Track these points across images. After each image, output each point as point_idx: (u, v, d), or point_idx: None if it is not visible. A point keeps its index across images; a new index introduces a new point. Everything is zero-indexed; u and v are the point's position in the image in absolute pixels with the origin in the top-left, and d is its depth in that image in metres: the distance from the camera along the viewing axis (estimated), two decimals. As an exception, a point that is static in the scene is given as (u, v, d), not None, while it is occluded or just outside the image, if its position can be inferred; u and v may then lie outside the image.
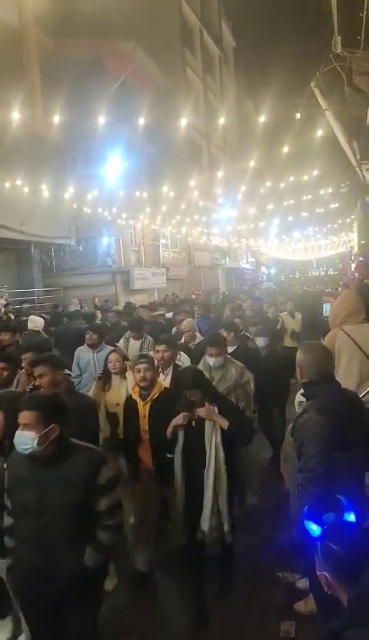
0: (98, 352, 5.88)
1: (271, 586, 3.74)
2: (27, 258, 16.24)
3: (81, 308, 13.94)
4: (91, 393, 4.61)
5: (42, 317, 9.93)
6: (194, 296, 19.73)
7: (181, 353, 5.30)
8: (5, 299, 12.28)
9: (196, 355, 5.44)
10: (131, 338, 6.74)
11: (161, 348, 4.80)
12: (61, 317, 11.60)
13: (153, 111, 11.62)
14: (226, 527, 3.53)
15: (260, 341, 6.01)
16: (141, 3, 20.61)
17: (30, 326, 8.68)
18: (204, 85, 29.71)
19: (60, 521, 2.32)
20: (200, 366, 4.42)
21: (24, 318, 10.89)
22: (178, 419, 3.55)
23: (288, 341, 8.94)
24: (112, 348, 5.88)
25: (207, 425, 3.54)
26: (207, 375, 4.15)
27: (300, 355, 3.00)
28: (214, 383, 4.20)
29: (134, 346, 6.65)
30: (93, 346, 5.94)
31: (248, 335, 6.71)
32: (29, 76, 15.13)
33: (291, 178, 13.43)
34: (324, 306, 9.67)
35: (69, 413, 2.51)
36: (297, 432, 2.81)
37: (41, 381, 3.34)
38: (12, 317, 10.49)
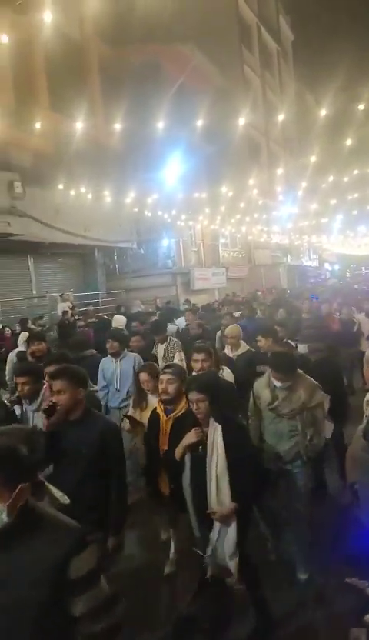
0: (120, 360, 5.46)
1: (340, 590, 3.66)
2: (91, 261, 16.86)
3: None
4: (130, 412, 4.15)
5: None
6: (259, 293, 19.48)
7: (224, 368, 4.55)
8: (71, 302, 12.83)
9: (240, 367, 4.87)
10: (159, 343, 6.16)
11: (200, 357, 4.12)
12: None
13: (211, 111, 11.70)
14: (231, 566, 2.98)
15: (302, 348, 5.35)
16: (197, 4, 20.73)
17: (114, 325, 9.60)
18: (263, 82, 29.35)
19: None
20: (262, 381, 3.83)
21: (91, 320, 11.39)
22: (189, 437, 3.03)
23: (366, 346, 8.11)
24: (135, 354, 5.56)
25: (209, 448, 2.96)
26: (268, 393, 3.70)
27: None
28: (275, 404, 3.65)
29: (159, 351, 6.09)
30: (115, 354, 5.47)
31: (291, 342, 5.74)
32: (90, 86, 15.70)
33: (356, 171, 12.98)
34: None
35: (45, 461, 2.25)
36: None
37: (60, 397, 2.85)
38: (76, 318, 10.93)
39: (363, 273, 39.71)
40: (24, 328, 9.05)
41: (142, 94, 14.49)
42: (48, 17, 5.80)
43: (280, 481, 3.74)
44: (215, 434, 2.95)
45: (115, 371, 5.41)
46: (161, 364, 5.44)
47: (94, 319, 11.51)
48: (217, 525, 2.96)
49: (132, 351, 5.75)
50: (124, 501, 2.92)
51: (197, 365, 4.13)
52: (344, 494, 4.06)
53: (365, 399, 3.87)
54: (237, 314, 10.98)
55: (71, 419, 2.87)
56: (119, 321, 9.88)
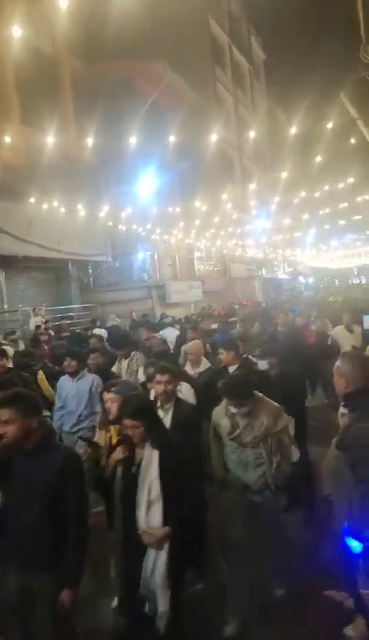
0: (77, 381, 5.21)
1: (319, 603, 3.62)
2: (65, 275, 16.68)
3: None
4: (96, 436, 3.85)
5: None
6: (236, 306, 19.56)
7: (182, 383, 4.30)
8: (43, 316, 12.64)
9: (200, 386, 4.64)
10: (123, 358, 6.00)
11: (164, 378, 3.76)
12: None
13: (184, 128, 11.85)
14: (160, 607, 2.76)
15: (263, 365, 5.09)
16: (170, 24, 21.10)
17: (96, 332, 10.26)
18: (235, 100, 29.94)
19: None
20: (219, 409, 3.56)
21: (65, 334, 11.23)
22: (116, 453, 2.92)
23: None
24: (94, 376, 5.26)
25: (142, 472, 2.82)
26: (227, 422, 3.44)
27: (343, 365, 2.95)
28: (236, 432, 3.40)
29: (123, 366, 5.90)
30: (72, 374, 5.21)
31: (252, 358, 5.52)
32: (63, 101, 15.72)
33: (326, 187, 13.29)
34: (364, 318, 8.62)
35: None
36: (351, 443, 2.75)
37: (7, 428, 2.50)
38: (52, 333, 10.77)
39: (336, 285, 40.47)
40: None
41: (115, 109, 14.59)
42: (17, 32, 5.79)
43: (248, 514, 3.43)
44: (151, 459, 2.82)
45: (71, 392, 5.18)
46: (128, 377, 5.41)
47: (67, 333, 11.35)
48: (150, 553, 2.78)
49: (92, 370, 5.50)
50: (82, 545, 2.62)
51: (159, 388, 3.75)
52: (318, 506, 4.04)
53: (339, 412, 3.90)
54: (214, 325, 11.11)
55: (25, 449, 2.59)
56: (101, 333, 10.19)
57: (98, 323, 13.97)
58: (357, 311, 9.85)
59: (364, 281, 43.76)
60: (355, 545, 1.73)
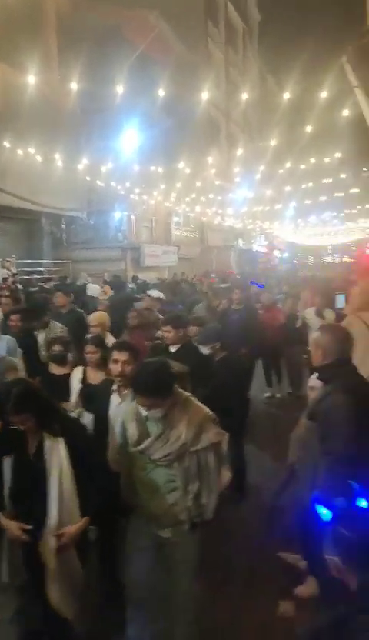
0: None
1: (273, 566, 3.74)
2: (37, 229, 16.17)
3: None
4: None
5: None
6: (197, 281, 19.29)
7: None
8: (9, 269, 12.26)
9: None
10: (40, 329, 5.37)
11: (122, 356, 3.18)
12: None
13: (172, 83, 11.33)
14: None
15: (204, 350, 4.55)
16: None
17: (89, 293, 10.65)
18: (226, 60, 28.94)
19: None
20: (129, 409, 2.76)
21: (33, 289, 10.95)
22: None
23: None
24: (7, 337, 4.84)
25: (48, 465, 2.50)
26: (135, 427, 2.64)
27: (321, 336, 2.93)
28: (144, 444, 2.56)
29: (40, 339, 5.24)
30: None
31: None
32: (46, 39, 14.83)
33: (312, 160, 13.13)
34: (337, 297, 8.01)
35: None
36: (322, 415, 2.76)
37: None
38: (20, 287, 10.49)
39: (309, 262, 40.88)
40: None
41: (101, 56, 13.84)
42: None
43: (154, 552, 2.74)
44: (55, 449, 2.51)
45: None
46: (43, 354, 4.91)
47: (36, 288, 11.08)
48: (50, 562, 2.45)
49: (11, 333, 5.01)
50: None
51: (116, 368, 3.20)
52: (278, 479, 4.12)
53: (309, 384, 3.93)
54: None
55: None
56: (94, 289, 11.02)
57: (68, 280, 13.69)
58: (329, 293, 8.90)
59: (337, 259, 44.38)
60: (324, 513, 1.73)
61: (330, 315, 7.07)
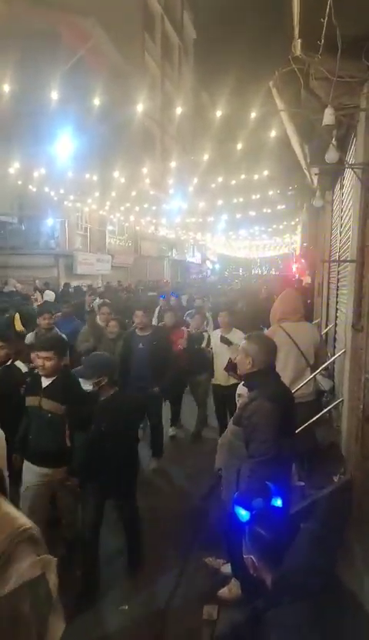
0: None
1: (197, 572, 3.82)
2: (-37, 232, 15.44)
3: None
4: None
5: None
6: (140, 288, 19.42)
7: None
8: None
9: None
10: None
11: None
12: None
13: (108, 91, 11.35)
14: None
15: (85, 385, 3.65)
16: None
17: (46, 299, 11.28)
18: (162, 73, 29.39)
19: None
20: None
21: None
22: None
23: (222, 379, 5.81)
24: None
25: None
26: None
27: (251, 345, 3.07)
28: None
29: None
30: None
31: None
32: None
33: (243, 176, 13.61)
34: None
35: None
36: (247, 420, 2.89)
37: None
38: None
39: (240, 274, 42.10)
40: None
41: (36, 60, 13.63)
42: None
43: None
44: None
45: None
46: None
47: None
48: None
49: None
50: None
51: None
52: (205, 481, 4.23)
53: (237, 392, 4.08)
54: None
55: None
56: (50, 295, 11.74)
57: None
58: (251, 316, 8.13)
59: (266, 272, 46.07)
60: (243, 514, 1.83)
61: (237, 336, 5.85)
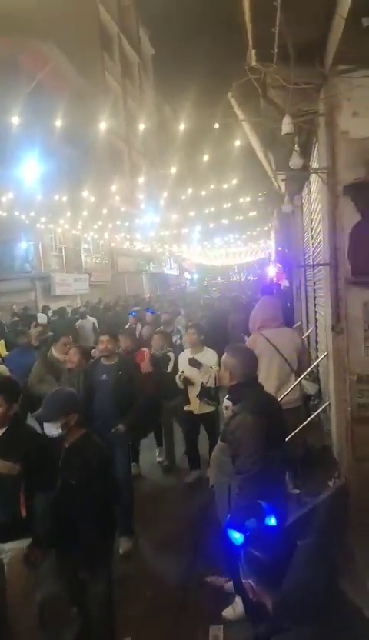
0: None
1: (201, 591, 3.74)
2: None
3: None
4: None
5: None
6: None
7: None
8: None
9: None
10: None
11: None
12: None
13: (71, 113, 11.34)
14: None
15: (50, 429, 3.01)
16: (59, 4, 20.16)
17: (40, 321, 11.22)
18: (124, 91, 29.63)
19: None
20: None
21: None
22: None
23: (194, 406, 5.48)
24: None
25: None
26: None
27: (229, 359, 3.04)
28: None
29: None
30: None
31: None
32: None
33: (212, 186, 13.71)
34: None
35: None
36: (231, 435, 2.84)
37: None
38: None
39: (218, 282, 42.27)
40: None
41: (-4, 85, 13.54)
42: None
43: None
44: None
45: None
46: None
47: None
48: None
49: None
50: None
51: None
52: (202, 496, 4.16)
53: (223, 404, 4.04)
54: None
55: None
56: (43, 318, 12.05)
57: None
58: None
59: (243, 278, 46.35)
60: (236, 537, 1.77)
61: (208, 357, 5.39)
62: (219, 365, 4.74)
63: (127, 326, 9.10)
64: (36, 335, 7.55)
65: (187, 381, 5.40)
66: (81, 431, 3.00)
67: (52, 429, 2.89)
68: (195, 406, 5.40)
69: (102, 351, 4.60)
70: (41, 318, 12.30)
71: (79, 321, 12.61)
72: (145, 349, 5.99)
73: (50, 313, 14.26)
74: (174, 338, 7.53)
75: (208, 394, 5.40)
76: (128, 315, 11.00)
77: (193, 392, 5.44)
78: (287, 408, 4.04)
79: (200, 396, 5.37)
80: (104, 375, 4.53)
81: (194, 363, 5.35)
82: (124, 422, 4.43)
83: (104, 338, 4.62)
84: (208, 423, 5.59)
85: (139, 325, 8.89)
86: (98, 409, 4.37)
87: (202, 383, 5.34)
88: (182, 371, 5.47)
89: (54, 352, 5.71)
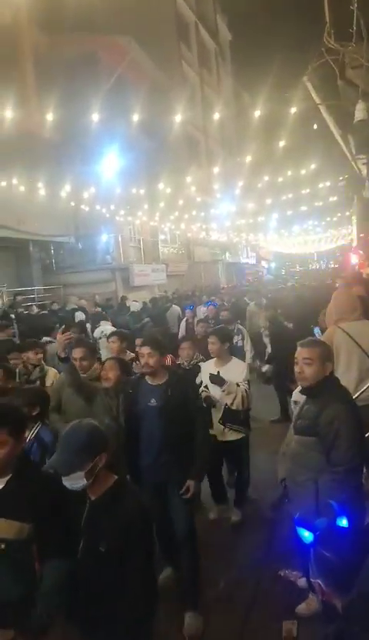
0: None
1: (274, 584, 3.72)
2: (26, 256, 16.24)
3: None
4: None
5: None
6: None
7: None
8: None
9: None
10: None
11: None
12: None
13: (149, 105, 11.56)
14: None
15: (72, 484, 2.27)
16: (135, -1, 20.52)
17: (133, 309, 11.92)
18: (201, 79, 29.49)
19: None
20: None
21: (22, 311, 11.27)
22: None
23: (217, 431, 4.37)
24: None
25: None
26: None
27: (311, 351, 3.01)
28: None
29: None
30: None
31: None
32: (23, 73, 15.07)
33: (289, 173, 13.34)
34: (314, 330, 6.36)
35: None
36: (327, 426, 2.78)
37: None
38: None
39: (297, 270, 41.19)
40: None
41: (78, 84, 14.09)
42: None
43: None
44: None
45: None
46: None
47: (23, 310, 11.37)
48: None
49: None
50: None
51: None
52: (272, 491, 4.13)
53: (292, 399, 3.96)
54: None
55: None
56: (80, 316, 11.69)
57: (56, 306, 13.77)
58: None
59: (323, 265, 44.73)
60: (306, 535, 1.75)
61: (235, 371, 4.49)
62: (248, 383, 4.40)
63: (182, 321, 8.31)
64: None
65: (209, 401, 4.30)
66: (112, 478, 2.14)
67: (74, 482, 2.03)
68: (217, 431, 4.34)
69: (144, 368, 3.40)
70: (135, 307, 12.62)
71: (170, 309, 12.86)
72: (170, 356, 4.93)
73: (139, 304, 14.28)
74: (236, 339, 6.39)
75: (234, 418, 4.35)
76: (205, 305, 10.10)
77: (216, 415, 4.35)
78: (365, 404, 3.87)
79: (223, 421, 4.34)
80: (153, 400, 3.36)
81: (215, 380, 4.29)
82: (194, 476, 3.32)
83: (144, 349, 3.36)
84: (233, 453, 4.61)
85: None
86: (144, 446, 3.34)
87: (226, 404, 4.31)
88: (205, 386, 4.41)
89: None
